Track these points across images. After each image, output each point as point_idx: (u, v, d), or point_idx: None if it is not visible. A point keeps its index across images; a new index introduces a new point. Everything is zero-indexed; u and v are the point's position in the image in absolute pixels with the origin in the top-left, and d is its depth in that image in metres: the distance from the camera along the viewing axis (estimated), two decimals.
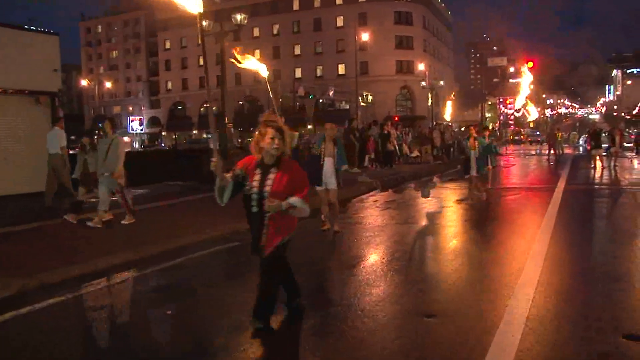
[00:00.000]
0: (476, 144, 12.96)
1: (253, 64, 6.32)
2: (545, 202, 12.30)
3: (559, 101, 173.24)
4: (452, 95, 17.58)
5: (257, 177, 4.50)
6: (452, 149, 29.05)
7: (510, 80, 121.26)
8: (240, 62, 5.97)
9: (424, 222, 10.68)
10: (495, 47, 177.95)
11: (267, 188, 4.44)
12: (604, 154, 22.33)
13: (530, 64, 36.52)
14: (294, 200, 4.41)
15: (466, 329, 4.64)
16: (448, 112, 15.66)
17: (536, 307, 5.09)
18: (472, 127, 14.02)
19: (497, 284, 6.00)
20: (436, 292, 5.88)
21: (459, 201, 13.14)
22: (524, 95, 16.29)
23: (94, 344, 4.67)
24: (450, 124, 43.14)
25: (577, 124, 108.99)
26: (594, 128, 22.99)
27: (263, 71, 6.48)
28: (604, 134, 25.14)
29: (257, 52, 72.85)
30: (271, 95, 7.35)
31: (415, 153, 25.76)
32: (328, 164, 8.79)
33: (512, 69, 74.09)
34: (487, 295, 5.61)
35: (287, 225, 4.59)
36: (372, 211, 11.94)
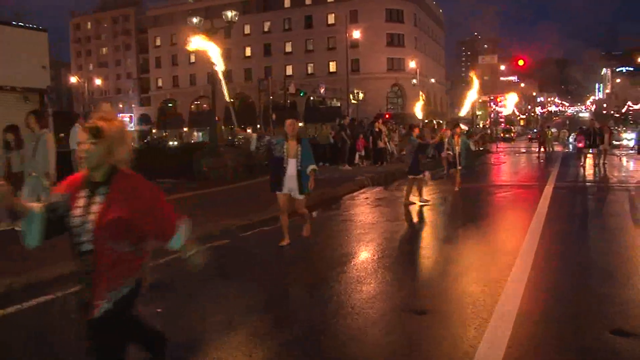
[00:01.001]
0: (459, 141, 13.64)
1: (212, 52, 6.14)
2: (536, 199, 12.36)
3: (549, 99, 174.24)
4: (421, 95, 17.09)
5: (81, 202, 2.92)
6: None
7: (502, 79, 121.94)
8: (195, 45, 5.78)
9: (414, 219, 10.70)
10: (486, 45, 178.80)
11: (92, 217, 2.87)
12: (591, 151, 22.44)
13: (521, 62, 36.73)
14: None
15: (457, 324, 4.65)
16: (418, 111, 15.44)
17: (526, 303, 5.12)
18: (457, 127, 14.49)
19: (488, 281, 6.01)
20: (427, 288, 5.89)
21: (447, 198, 13.20)
22: (470, 100, 16.36)
23: (80, 341, 4.63)
24: (440, 121, 43.35)
25: (567, 122, 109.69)
26: (594, 126, 23.08)
27: (218, 64, 6.32)
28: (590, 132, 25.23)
29: (248, 49, 73.02)
30: (225, 91, 7.12)
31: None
32: (291, 167, 7.57)
33: (502, 67, 74.39)
34: (477, 291, 5.62)
35: (125, 269, 2.94)
36: (363, 208, 11.95)
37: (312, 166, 7.69)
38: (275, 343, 4.42)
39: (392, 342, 4.34)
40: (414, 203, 11.93)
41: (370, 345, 4.35)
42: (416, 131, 12.57)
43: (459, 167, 13.77)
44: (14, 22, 15.20)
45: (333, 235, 8.83)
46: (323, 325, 4.78)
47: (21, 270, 6.30)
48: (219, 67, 6.38)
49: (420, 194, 12.16)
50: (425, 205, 11.87)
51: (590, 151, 22.33)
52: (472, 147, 14.78)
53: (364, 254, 7.64)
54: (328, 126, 24.17)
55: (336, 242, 8.41)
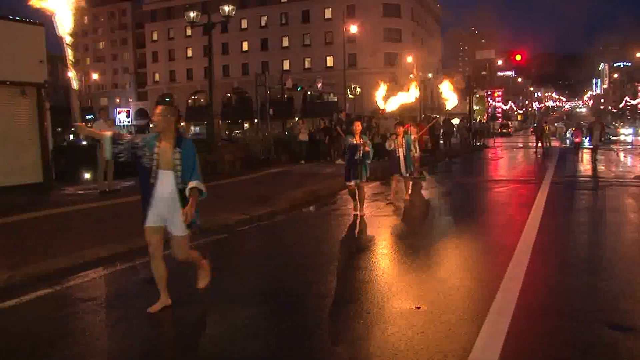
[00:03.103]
0: (403, 142, 11.59)
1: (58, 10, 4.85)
2: (533, 194, 12.40)
3: (546, 94, 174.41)
4: (381, 83, 14.68)
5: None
6: (439, 142, 29.17)
7: (499, 74, 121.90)
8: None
9: (411, 213, 10.73)
10: (483, 40, 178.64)
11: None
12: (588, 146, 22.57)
13: (519, 57, 36.69)
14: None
15: (453, 319, 4.67)
16: (380, 100, 13.95)
17: (524, 297, 5.14)
18: (399, 126, 12.00)
19: (486, 275, 6.04)
20: (424, 283, 5.90)
21: (444, 194, 13.21)
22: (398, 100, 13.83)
23: (79, 335, 4.64)
24: (436, 116, 43.33)
25: (565, 117, 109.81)
26: (600, 122, 23.00)
27: (62, 25, 4.98)
28: (584, 128, 25.34)
29: (245, 44, 72.82)
30: (70, 58, 5.38)
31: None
32: (164, 182, 4.84)
33: (500, 62, 74.35)
34: (474, 286, 5.65)
35: None
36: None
37: (194, 183, 4.81)
38: (271, 337, 4.44)
39: (388, 337, 4.35)
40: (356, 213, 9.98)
41: (366, 340, 4.37)
42: (357, 127, 9.92)
43: (406, 174, 11.76)
44: (10, 17, 15.12)
45: (330, 230, 8.85)
46: (318, 320, 4.81)
47: (22, 263, 6.30)
48: (63, 29, 5.02)
49: (360, 204, 10.02)
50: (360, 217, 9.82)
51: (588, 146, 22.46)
52: (412, 149, 12.43)
53: (361, 250, 7.66)
54: (303, 122, 24.36)
55: (332, 237, 8.42)
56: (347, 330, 4.56)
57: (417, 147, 14.61)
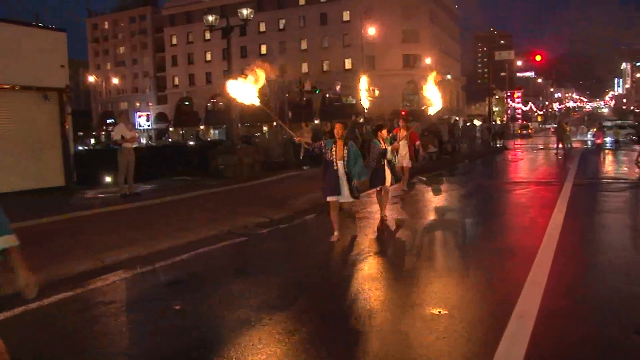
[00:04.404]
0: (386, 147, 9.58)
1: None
2: (554, 196, 12.23)
3: (567, 95, 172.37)
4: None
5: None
6: (457, 145, 28.89)
7: (518, 75, 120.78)
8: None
9: (432, 216, 10.65)
10: (502, 41, 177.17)
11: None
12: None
13: (539, 58, 36.33)
14: None
15: (476, 324, 4.61)
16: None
17: (547, 301, 5.05)
18: (383, 129, 9.84)
19: (508, 278, 5.96)
20: (446, 286, 5.83)
21: (465, 196, 13.10)
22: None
23: (101, 338, 4.67)
24: (457, 118, 43.04)
25: (586, 118, 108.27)
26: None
27: None
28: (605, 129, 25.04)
29: (264, 47, 73.14)
30: None
31: (432, 148, 25.57)
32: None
33: (519, 63, 73.63)
34: (497, 289, 5.58)
35: None
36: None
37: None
38: (292, 342, 4.42)
39: (410, 342, 4.31)
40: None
41: (387, 345, 4.33)
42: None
43: (388, 185, 9.78)
44: (33, 23, 15.37)
45: (353, 233, 8.79)
46: (340, 324, 4.77)
47: (43, 266, 6.37)
48: None
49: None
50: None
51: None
52: (389, 156, 9.68)
53: (382, 251, 7.61)
54: (306, 125, 24.33)
55: (353, 238, 8.37)
56: (367, 333, 4.52)
57: (407, 155, 13.18)
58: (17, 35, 13.61)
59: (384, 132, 9.68)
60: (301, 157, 8.76)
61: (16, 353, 4.48)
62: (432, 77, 9.43)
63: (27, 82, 13.48)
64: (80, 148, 32.88)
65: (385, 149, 9.51)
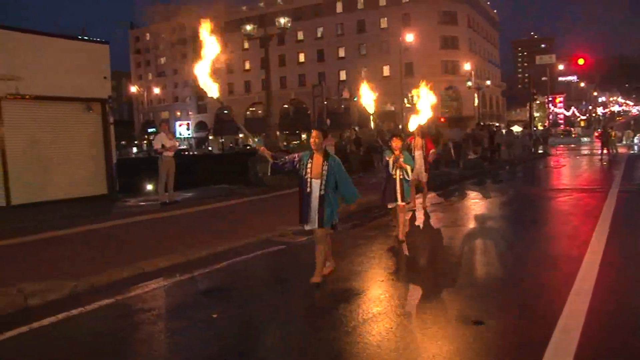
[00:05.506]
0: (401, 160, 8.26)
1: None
2: (599, 204, 11.88)
3: (611, 99, 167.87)
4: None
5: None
6: (497, 152, 28.42)
7: (560, 79, 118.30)
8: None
9: (470, 224, 10.46)
10: (543, 45, 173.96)
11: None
12: None
13: (582, 61, 35.50)
14: None
15: (517, 335, 4.49)
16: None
17: (593, 313, 4.89)
18: (395, 137, 8.45)
19: (551, 289, 5.80)
20: (485, 296, 5.70)
21: (505, 203, 12.84)
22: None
23: (140, 344, 4.73)
24: (498, 124, 42.38)
25: (632, 122, 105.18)
26: None
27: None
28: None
29: (302, 55, 73.62)
30: None
31: (473, 155, 25.30)
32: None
33: (561, 67, 72.08)
34: (539, 301, 5.42)
35: None
36: (417, 213, 11.72)
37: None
38: (332, 354, 4.39)
39: (449, 353, 4.22)
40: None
41: (426, 356, 4.25)
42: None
43: (399, 202, 8.40)
44: (79, 36, 15.85)
45: (388, 242, 8.71)
46: (375, 335, 4.70)
47: (86, 273, 6.50)
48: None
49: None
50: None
51: None
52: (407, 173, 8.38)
53: (418, 261, 7.52)
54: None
55: (388, 247, 8.27)
56: (403, 342, 4.45)
57: (423, 168, 11.61)
58: (63, 48, 14.05)
59: (397, 140, 8.33)
60: (269, 174, 7.23)
61: (59, 357, 4.58)
62: (422, 85, 9.09)
63: (71, 94, 13.87)
64: (122, 157, 33.62)
65: (388, 161, 8.42)
